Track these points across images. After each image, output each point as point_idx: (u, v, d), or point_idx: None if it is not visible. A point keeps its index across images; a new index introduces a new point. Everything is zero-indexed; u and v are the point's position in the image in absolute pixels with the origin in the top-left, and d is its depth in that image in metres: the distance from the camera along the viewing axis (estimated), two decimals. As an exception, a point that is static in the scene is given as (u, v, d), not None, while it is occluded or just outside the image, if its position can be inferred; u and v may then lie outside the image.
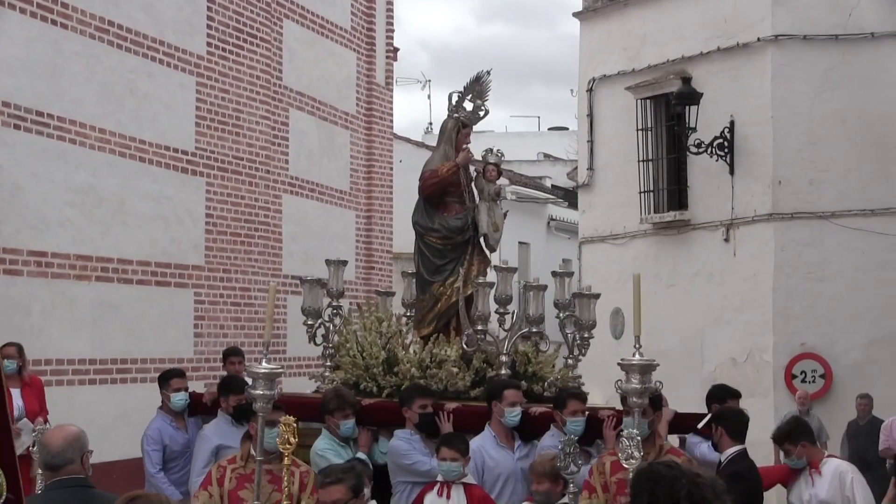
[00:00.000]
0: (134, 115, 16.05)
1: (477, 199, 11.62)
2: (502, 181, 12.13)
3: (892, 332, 18.86)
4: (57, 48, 14.75)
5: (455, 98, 11.76)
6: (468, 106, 11.77)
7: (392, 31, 23.16)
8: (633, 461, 7.11)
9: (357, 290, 21.42)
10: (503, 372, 10.59)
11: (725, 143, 20.05)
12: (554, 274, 11.34)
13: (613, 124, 22.52)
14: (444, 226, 11.44)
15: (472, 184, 11.68)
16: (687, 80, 20.39)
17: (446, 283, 11.29)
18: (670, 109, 21.11)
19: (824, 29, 19.53)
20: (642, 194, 21.66)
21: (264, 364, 8.08)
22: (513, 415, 9.73)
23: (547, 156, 44.67)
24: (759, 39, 19.80)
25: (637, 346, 7.52)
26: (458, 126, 11.68)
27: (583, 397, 9.76)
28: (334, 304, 11.64)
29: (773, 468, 10.64)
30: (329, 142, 20.92)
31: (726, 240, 20.30)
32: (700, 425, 10.48)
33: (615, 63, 22.51)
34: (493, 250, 11.59)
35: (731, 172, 20.10)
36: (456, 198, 11.54)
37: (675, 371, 17.72)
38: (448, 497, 8.85)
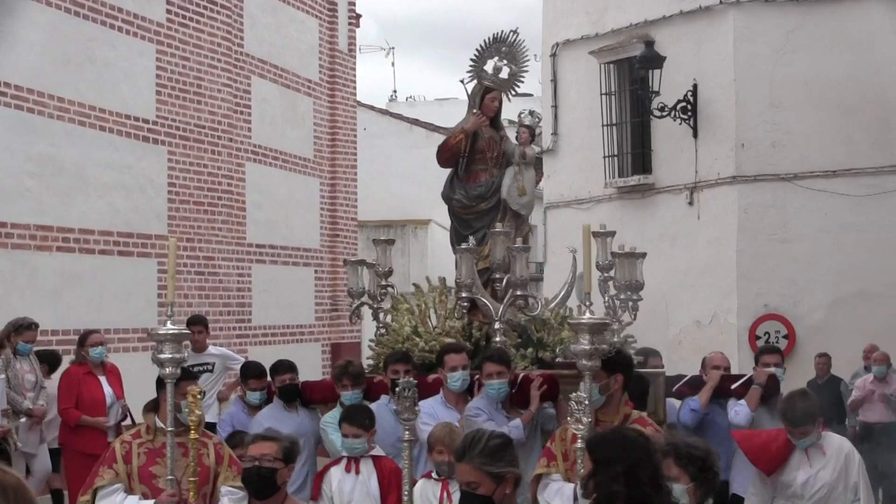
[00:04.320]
0: (93, 83, 15.93)
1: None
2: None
3: (854, 292, 18.94)
4: (14, 16, 14.61)
5: (471, 62, 11.22)
6: (489, 68, 11.21)
7: (354, -3, 23.07)
8: (582, 427, 6.68)
9: (322, 258, 21.38)
10: (498, 339, 10.18)
11: (689, 107, 20.06)
12: (595, 234, 10.42)
13: (577, 89, 22.47)
14: (464, 194, 11.09)
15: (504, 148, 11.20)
16: (650, 43, 20.34)
17: (476, 254, 10.75)
18: (634, 73, 21.06)
19: (786, -9, 19.55)
20: (606, 159, 21.65)
21: (169, 325, 7.61)
22: (453, 379, 9.46)
23: (511, 122, 44.60)
24: (721, 2, 19.77)
25: (588, 303, 7.13)
26: (483, 91, 11.20)
27: (497, 359, 9.28)
28: (383, 283, 11.23)
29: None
30: (292, 109, 20.82)
31: (690, 203, 20.32)
32: (734, 386, 10.38)
33: (578, 28, 22.44)
34: (524, 215, 11.16)
35: (695, 136, 20.11)
36: (482, 165, 11.13)
37: (639, 334, 17.68)
38: (357, 472, 8.58)
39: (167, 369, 7.57)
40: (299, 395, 10.70)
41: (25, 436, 12.99)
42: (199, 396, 7.48)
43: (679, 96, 20.02)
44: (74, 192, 15.54)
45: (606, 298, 10.66)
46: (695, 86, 20.07)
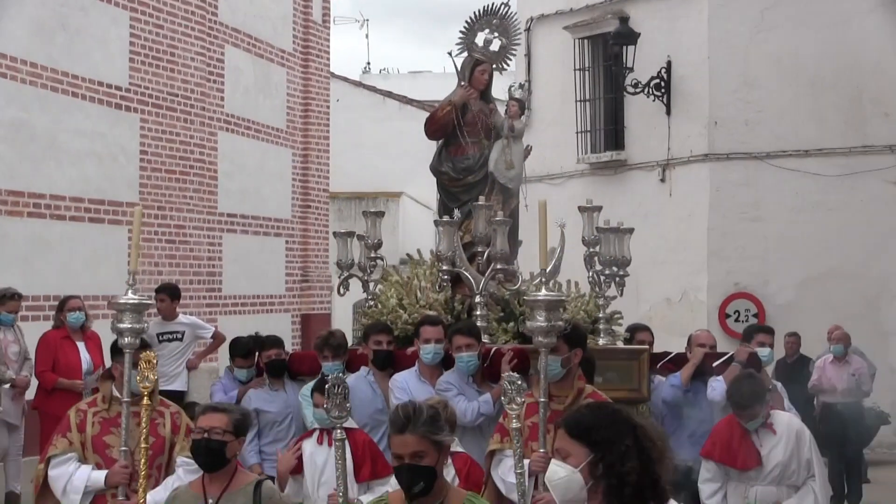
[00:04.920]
0: (66, 49, 15.81)
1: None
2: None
3: (824, 271, 19.05)
4: (-14, -19, 14.51)
5: (461, 34, 11.12)
6: (479, 41, 11.11)
7: (328, -33, 22.96)
8: (515, 407, 6.55)
9: (293, 229, 21.33)
10: (478, 313, 10.07)
11: (662, 84, 20.12)
12: (581, 209, 10.62)
13: (551, 64, 22.47)
14: (451, 167, 11.02)
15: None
16: (624, 19, 20.37)
17: (462, 227, 10.69)
18: (607, 49, 21.11)
19: (761, -31, 19.59)
20: (579, 134, 21.69)
21: (131, 295, 7.40)
22: (426, 352, 9.41)
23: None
24: (696, -21, 19.83)
25: (543, 280, 7.06)
26: (473, 63, 11.08)
27: (466, 331, 9.25)
28: (372, 255, 11.09)
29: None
30: (265, 79, 20.73)
31: (662, 180, 20.39)
32: (715, 364, 10.33)
33: (552, 3, 22.43)
34: (512, 189, 11.05)
35: (668, 113, 20.17)
36: (471, 138, 11.02)
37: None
38: (330, 444, 8.35)
39: (126, 339, 7.40)
40: (287, 370, 10.66)
41: (9, 405, 12.94)
42: (153, 362, 7.31)
43: (653, 73, 20.08)
44: (46, 158, 15.43)
45: (591, 273, 10.64)
46: (668, 63, 20.13)
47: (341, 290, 11.28)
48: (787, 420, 8.80)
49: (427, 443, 5.21)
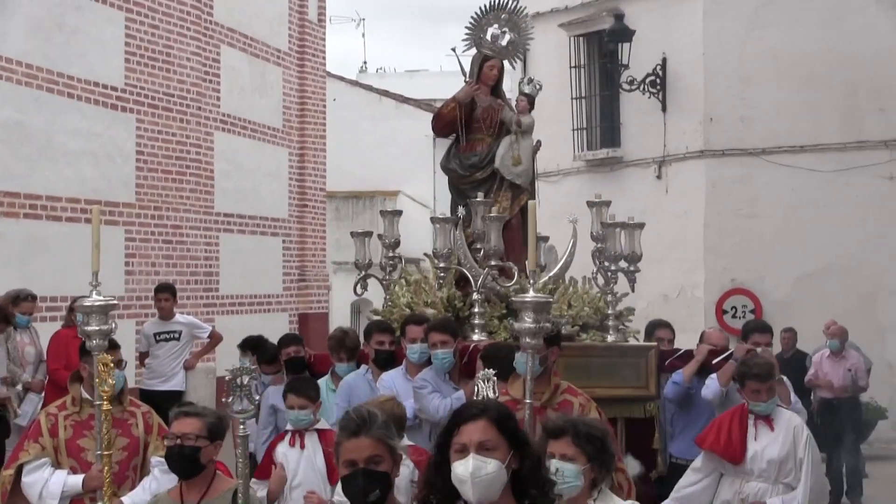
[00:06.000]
0: (62, 50, 15.81)
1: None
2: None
3: (821, 267, 19.05)
4: (-18, -18, 14.50)
5: (467, 30, 11.07)
6: (488, 37, 11.04)
7: (324, -34, 22.95)
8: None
9: (290, 228, 21.35)
10: (476, 310, 10.07)
11: (658, 81, 20.13)
12: (589, 204, 10.64)
13: (546, 62, 22.44)
14: (458, 164, 11.00)
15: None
16: (619, 17, 20.39)
17: (470, 224, 10.68)
18: (603, 47, 21.12)
19: (755, -34, 19.60)
20: (575, 132, 21.70)
21: (95, 296, 7.20)
22: (412, 351, 9.33)
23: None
24: (691, -24, 19.83)
25: (532, 282, 6.93)
26: (482, 59, 11.03)
27: (441, 328, 9.17)
28: (389, 254, 11.04)
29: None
30: (261, 79, 20.74)
31: (658, 177, 20.40)
32: (715, 361, 10.28)
33: (548, 0, 22.43)
34: (521, 185, 10.95)
35: (664, 109, 20.19)
36: (481, 134, 11.00)
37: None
38: (302, 446, 8.29)
39: (94, 341, 7.18)
40: (307, 368, 10.62)
41: (28, 408, 12.84)
42: (110, 365, 7.11)
43: (648, 70, 20.10)
44: (42, 158, 15.44)
45: (596, 269, 10.59)
46: (664, 60, 20.13)
47: (358, 290, 11.17)
48: (787, 417, 8.62)
49: (383, 447, 4.97)
